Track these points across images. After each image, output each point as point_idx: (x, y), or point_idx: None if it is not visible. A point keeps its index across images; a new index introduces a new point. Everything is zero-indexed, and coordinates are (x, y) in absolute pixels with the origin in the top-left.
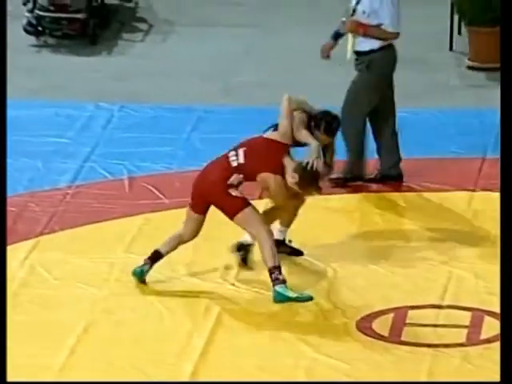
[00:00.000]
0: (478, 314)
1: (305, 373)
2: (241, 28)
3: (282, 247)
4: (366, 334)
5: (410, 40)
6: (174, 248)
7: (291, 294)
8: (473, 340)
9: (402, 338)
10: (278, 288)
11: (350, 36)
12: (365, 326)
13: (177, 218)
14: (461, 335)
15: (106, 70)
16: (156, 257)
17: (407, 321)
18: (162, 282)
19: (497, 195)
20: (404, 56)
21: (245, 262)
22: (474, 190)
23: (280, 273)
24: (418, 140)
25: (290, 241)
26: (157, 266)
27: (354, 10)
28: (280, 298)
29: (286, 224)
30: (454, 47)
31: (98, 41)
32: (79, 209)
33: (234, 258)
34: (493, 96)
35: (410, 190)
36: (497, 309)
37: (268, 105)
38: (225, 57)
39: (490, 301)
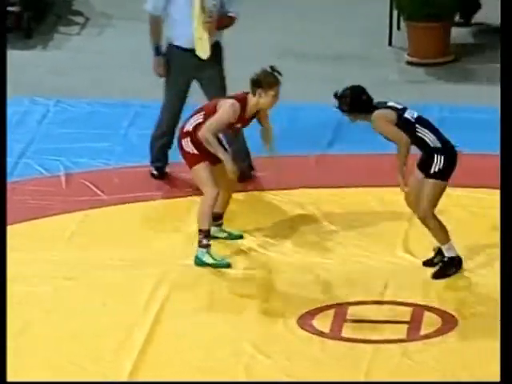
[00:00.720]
0: (419, 310)
1: (244, 371)
2: None
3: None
4: (306, 331)
5: (350, 36)
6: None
7: (208, 260)
8: (413, 336)
9: (343, 335)
10: (199, 252)
11: (204, 36)
12: (306, 322)
13: (116, 215)
14: (401, 331)
15: (42, 64)
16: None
17: (348, 317)
18: (100, 275)
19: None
20: (344, 52)
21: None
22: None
23: (205, 237)
24: (359, 138)
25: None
26: (95, 257)
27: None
28: (198, 263)
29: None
30: (394, 42)
31: (33, 34)
32: (15, 206)
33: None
34: (432, 91)
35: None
36: (437, 304)
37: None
38: None
39: (429, 296)
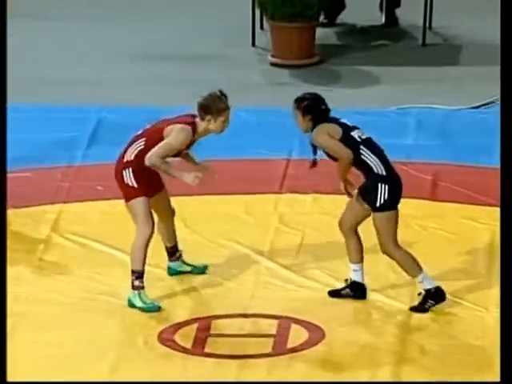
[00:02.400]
0: (285, 322)
1: None
2: (60, 21)
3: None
4: (168, 347)
5: (212, 36)
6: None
7: (138, 303)
8: (279, 349)
9: (206, 350)
10: (131, 294)
11: None
12: (167, 337)
13: None
14: (267, 345)
15: None
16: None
17: (211, 331)
18: None
19: (309, 197)
20: (205, 52)
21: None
22: (280, 193)
23: (137, 278)
24: (219, 141)
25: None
26: None
27: None
28: (130, 304)
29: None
30: (257, 43)
31: None
32: None
33: None
34: (297, 94)
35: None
36: (304, 316)
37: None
38: (34, 51)
39: (296, 308)
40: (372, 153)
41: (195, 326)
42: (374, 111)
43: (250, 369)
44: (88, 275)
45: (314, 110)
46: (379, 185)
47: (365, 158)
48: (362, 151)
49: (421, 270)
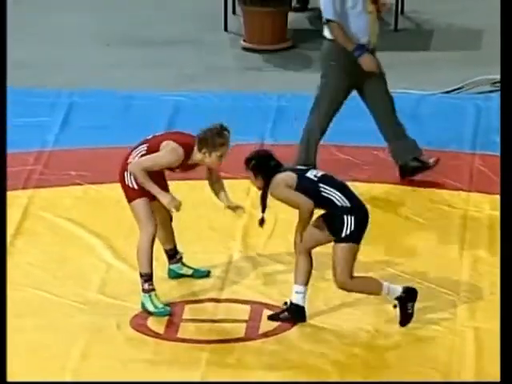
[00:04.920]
0: (257, 307)
1: (72, 375)
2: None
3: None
4: (140, 332)
5: (182, 20)
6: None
7: (150, 307)
8: (251, 334)
9: (179, 335)
10: (142, 297)
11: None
12: (139, 323)
13: None
14: (239, 329)
15: None
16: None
17: (184, 316)
18: None
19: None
20: (178, 37)
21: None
22: None
23: (145, 281)
24: (195, 125)
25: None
26: None
27: None
28: (143, 307)
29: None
30: (229, 27)
31: None
32: None
33: None
34: (268, 79)
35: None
36: (276, 301)
37: (28, 85)
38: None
39: (268, 293)
40: (332, 187)
41: None
42: None
43: (221, 353)
44: (60, 260)
45: (263, 168)
46: (345, 217)
47: (326, 195)
48: (321, 189)
49: (381, 284)
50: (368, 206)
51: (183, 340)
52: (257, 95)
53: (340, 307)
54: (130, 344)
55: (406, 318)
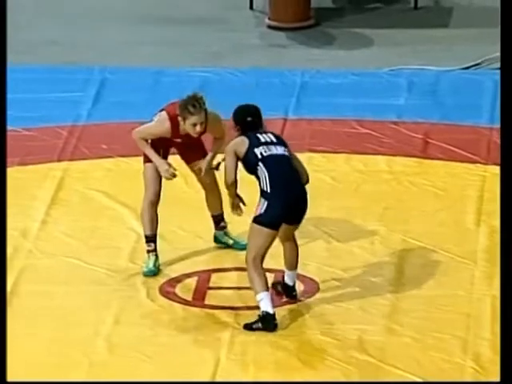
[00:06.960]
0: (281, 275)
1: (104, 340)
2: None
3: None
4: (169, 299)
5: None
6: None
7: (144, 268)
8: (276, 301)
9: (206, 302)
10: (146, 258)
11: None
12: (168, 290)
13: None
14: None
15: None
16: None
17: (211, 284)
18: None
19: (304, 155)
20: (203, 16)
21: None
22: None
23: (146, 242)
24: (221, 101)
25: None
26: None
27: None
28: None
29: None
30: (255, 6)
31: None
32: None
33: None
34: (292, 56)
35: None
36: (299, 269)
37: (61, 63)
38: (32, 12)
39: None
40: (266, 170)
41: (195, 279)
42: (368, 72)
43: (247, 319)
44: (92, 229)
45: (240, 121)
46: (261, 199)
47: (259, 174)
48: (258, 167)
49: (266, 290)
50: (386, 178)
51: (210, 306)
52: (281, 71)
53: None
54: (159, 311)
55: (248, 327)
